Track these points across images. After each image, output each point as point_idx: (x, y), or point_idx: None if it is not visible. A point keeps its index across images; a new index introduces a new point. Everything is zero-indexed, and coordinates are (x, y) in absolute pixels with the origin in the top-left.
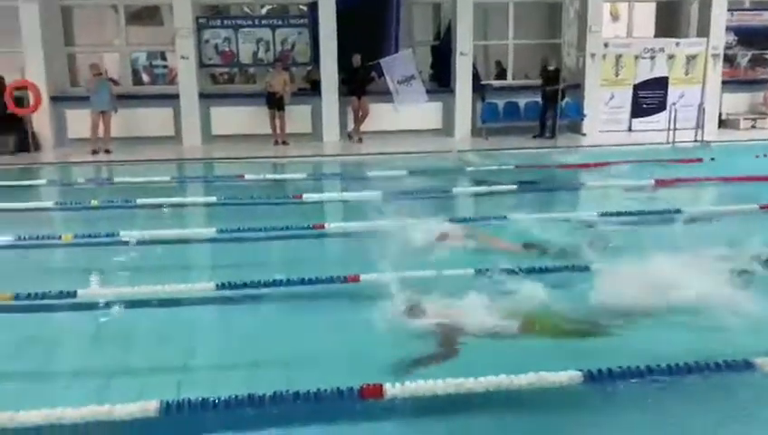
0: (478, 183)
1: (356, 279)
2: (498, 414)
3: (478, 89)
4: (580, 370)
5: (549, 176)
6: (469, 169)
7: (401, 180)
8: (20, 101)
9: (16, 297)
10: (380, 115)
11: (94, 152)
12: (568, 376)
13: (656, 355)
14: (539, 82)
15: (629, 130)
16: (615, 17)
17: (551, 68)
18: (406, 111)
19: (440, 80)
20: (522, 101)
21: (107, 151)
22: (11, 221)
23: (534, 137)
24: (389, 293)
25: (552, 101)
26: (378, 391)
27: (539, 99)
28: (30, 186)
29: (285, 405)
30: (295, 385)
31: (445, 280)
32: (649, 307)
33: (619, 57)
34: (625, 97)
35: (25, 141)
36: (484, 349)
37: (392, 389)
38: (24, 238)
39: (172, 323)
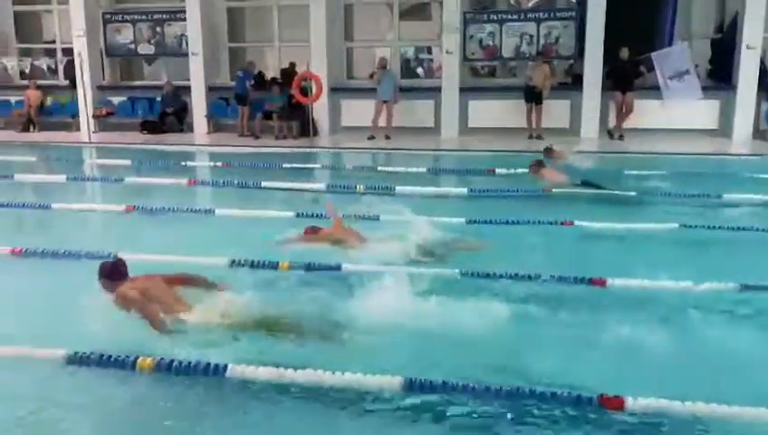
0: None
1: (601, 283)
2: None
3: (765, 86)
4: None
5: None
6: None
7: (660, 181)
8: (305, 91)
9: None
10: (646, 111)
11: (371, 138)
12: None
13: None
14: None
15: None
16: None
17: None
18: (675, 109)
19: (719, 76)
20: None
21: (387, 138)
22: (293, 199)
23: None
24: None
25: None
26: (618, 403)
27: None
28: (308, 168)
29: (519, 400)
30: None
31: None
32: None
33: None
34: None
35: (306, 128)
36: None
37: (634, 403)
38: (302, 215)
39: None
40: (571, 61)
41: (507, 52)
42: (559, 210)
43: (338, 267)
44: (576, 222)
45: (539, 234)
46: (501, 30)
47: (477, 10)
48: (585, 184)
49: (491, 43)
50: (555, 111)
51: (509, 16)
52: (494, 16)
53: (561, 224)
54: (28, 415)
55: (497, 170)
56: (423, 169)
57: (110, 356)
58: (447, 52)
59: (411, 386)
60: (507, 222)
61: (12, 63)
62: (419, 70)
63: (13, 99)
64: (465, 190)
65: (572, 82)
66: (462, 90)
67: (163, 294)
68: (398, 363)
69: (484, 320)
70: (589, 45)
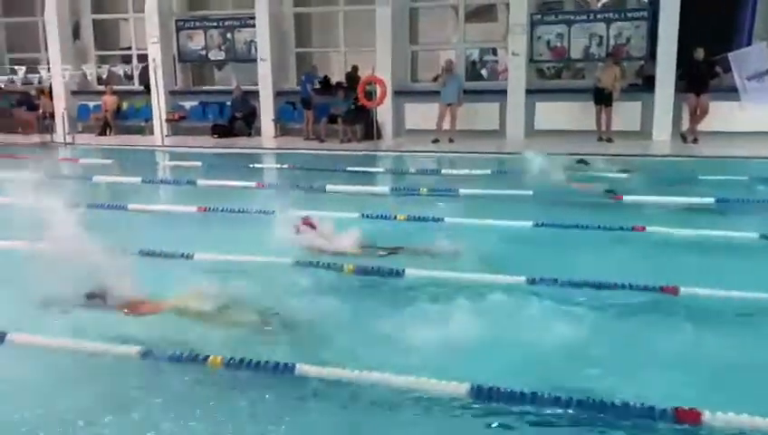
0: None
1: (673, 291)
2: None
3: None
4: None
5: None
6: None
7: (738, 187)
8: (369, 95)
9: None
10: (722, 114)
11: (435, 141)
12: None
13: None
14: None
15: None
16: None
17: None
18: (754, 111)
19: None
20: None
21: (451, 141)
22: (358, 200)
23: None
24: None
25: None
26: (695, 416)
27: None
28: (372, 171)
29: (591, 411)
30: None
31: None
32: None
33: None
34: None
35: (370, 131)
36: None
37: (712, 418)
38: (367, 216)
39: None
40: (642, 62)
41: (576, 53)
42: (630, 215)
43: (401, 273)
44: (648, 228)
45: (609, 239)
46: (569, 31)
47: (545, 11)
48: (609, 192)
49: (559, 44)
50: (626, 114)
51: (578, 17)
52: (562, 17)
53: (632, 229)
54: (103, 409)
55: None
56: (488, 172)
57: (182, 353)
58: (514, 53)
59: (478, 393)
60: (576, 226)
61: (90, 70)
62: (484, 72)
63: (91, 104)
64: (530, 193)
65: (643, 84)
66: (528, 91)
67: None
68: (464, 370)
69: (551, 327)
70: (661, 46)
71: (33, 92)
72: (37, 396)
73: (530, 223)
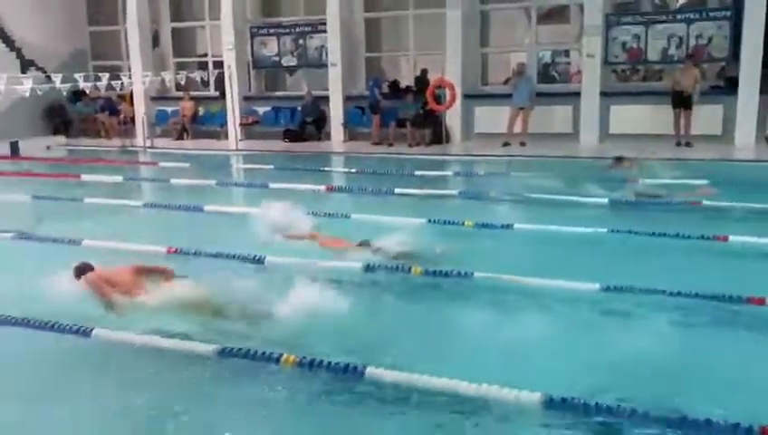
0: None
1: (760, 301)
2: None
3: None
4: None
5: None
6: None
7: None
8: (438, 99)
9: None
10: None
11: (506, 144)
12: None
13: None
14: None
15: None
16: None
17: None
18: None
19: None
20: None
21: (522, 144)
22: (425, 205)
23: None
24: None
25: None
26: None
27: None
28: (441, 175)
29: (670, 426)
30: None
31: None
32: None
33: None
34: None
35: (439, 134)
36: None
37: None
38: (435, 221)
39: (558, 316)
40: (723, 63)
41: (653, 54)
42: (711, 223)
43: (470, 275)
44: (731, 237)
45: (688, 248)
46: (647, 32)
47: (621, 12)
48: (639, 195)
49: (635, 45)
50: (706, 117)
51: (656, 17)
52: (639, 18)
53: (714, 238)
54: (181, 407)
55: (641, 179)
56: (560, 176)
57: (256, 351)
58: (588, 55)
59: (551, 404)
60: (653, 234)
61: (169, 77)
62: (556, 74)
63: (169, 109)
64: (605, 200)
65: (725, 86)
66: (603, 94)
67: (123, 280)
68: (536, 379)
69: (627, 337)
70: (745, 46)
71: (115, 98)
72: (119, 391)
73: (604, 229)
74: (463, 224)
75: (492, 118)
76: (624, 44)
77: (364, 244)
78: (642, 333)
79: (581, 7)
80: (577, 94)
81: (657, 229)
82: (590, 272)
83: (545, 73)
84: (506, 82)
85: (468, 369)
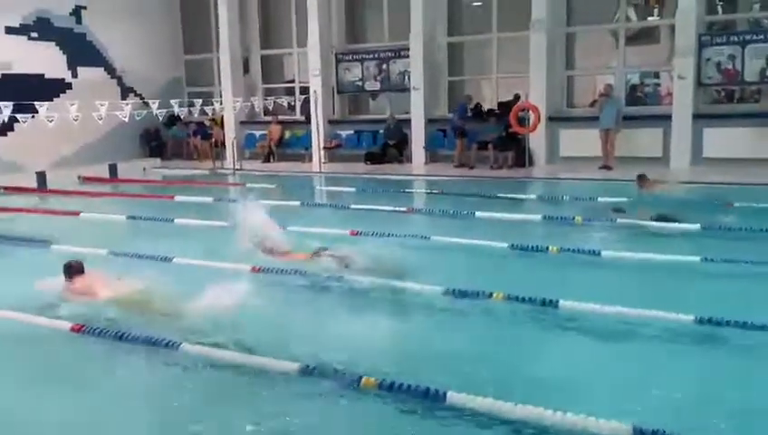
0: None
1: None
2: None
3: None
4: None
5: None
6: None
7: None
8: (522, 121)
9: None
10: None
11: (603, 168)
12: None
13: None
14: None
15: None
16: None
17: None
18: None
19: None
20: None
21: (608, 168)
22: (506, 229)
23: None
24: None
25: None
26: None
27: None
28: (524, 199)
29: None
30: None
31: None
32: None
33: None
34: None
35: (522, 158)
36: None
37: None
38: (517, 247)
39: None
40: None
41: (750, 75)
42: None
43: (555, 303)
44: None
45: None
46: (743, 51)
47: (714, 32)
48: (660, 218)
49: (730, 66)
50: None
51: (753, 37)
52: (734, 38)
53: None
54: (264, 424)
55: (736, 204)
56: (648, 201)
57: (337, 370)
58: (680, 77)
59: None
60: (750, 262)
61: (258, 102)
62: (644, 96)
63: (257, 133)
64: (697, 226)
65: None
66: (695, 116)
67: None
68: (625, 410)
69: (718, 369)
70: None
71: (206, 123)
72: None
73: (697, 258)
74: (547, 249)
75: (578, 140)
76: (719, 65)
77: (316, 254)
78: (728, 366)
79: (672, 28)
80: (667, 117)
81: (753, 258)
82: (683, 302)
83: (633, 95)
84: (593, 104)
85: (555, 398)
